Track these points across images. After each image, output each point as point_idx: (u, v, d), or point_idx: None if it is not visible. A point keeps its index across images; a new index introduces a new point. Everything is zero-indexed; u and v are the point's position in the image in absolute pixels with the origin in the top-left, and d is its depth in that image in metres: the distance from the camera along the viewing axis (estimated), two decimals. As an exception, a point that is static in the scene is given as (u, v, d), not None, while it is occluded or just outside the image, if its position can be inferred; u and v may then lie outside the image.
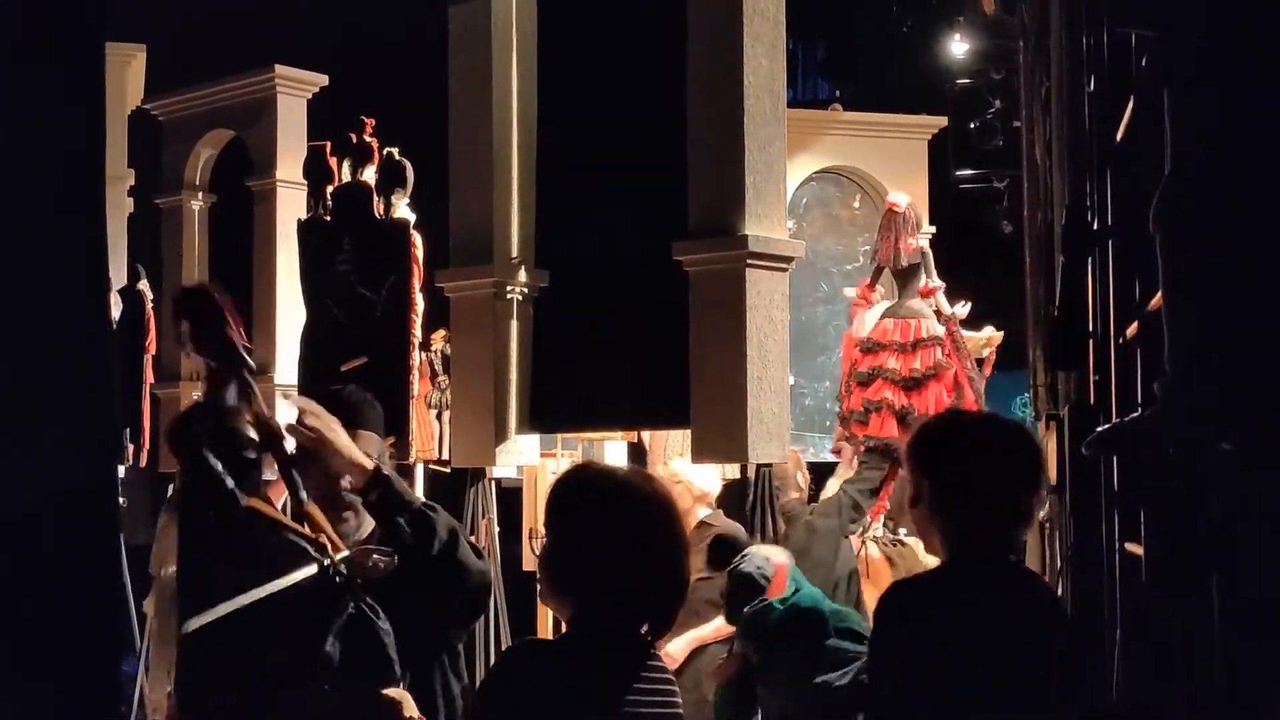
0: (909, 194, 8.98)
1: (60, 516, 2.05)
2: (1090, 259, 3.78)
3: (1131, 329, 3.29)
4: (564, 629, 2.53)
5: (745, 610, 4.26)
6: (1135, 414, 2.69)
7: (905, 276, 7.01)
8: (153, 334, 8.20)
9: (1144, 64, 2.85)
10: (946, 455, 2.69)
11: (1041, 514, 5.22)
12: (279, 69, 7.46)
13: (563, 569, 2.41)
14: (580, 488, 2.47)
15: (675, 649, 5.40)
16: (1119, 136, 3.56)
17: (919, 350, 6.47)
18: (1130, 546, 3.18)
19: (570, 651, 2.40)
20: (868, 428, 6.12)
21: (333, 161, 6.67)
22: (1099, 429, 2.84)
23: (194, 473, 2.58)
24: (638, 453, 7.55)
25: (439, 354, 7.78)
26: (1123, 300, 3.50)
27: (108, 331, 2.34)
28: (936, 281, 6.97)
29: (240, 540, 2.54)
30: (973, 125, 10.69)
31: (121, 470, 7.71)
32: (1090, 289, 3.86)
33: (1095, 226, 3.86)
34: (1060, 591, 4.51)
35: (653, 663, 2.39)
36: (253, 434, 2.63)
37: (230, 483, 2.55)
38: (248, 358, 2.71)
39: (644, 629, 2.40)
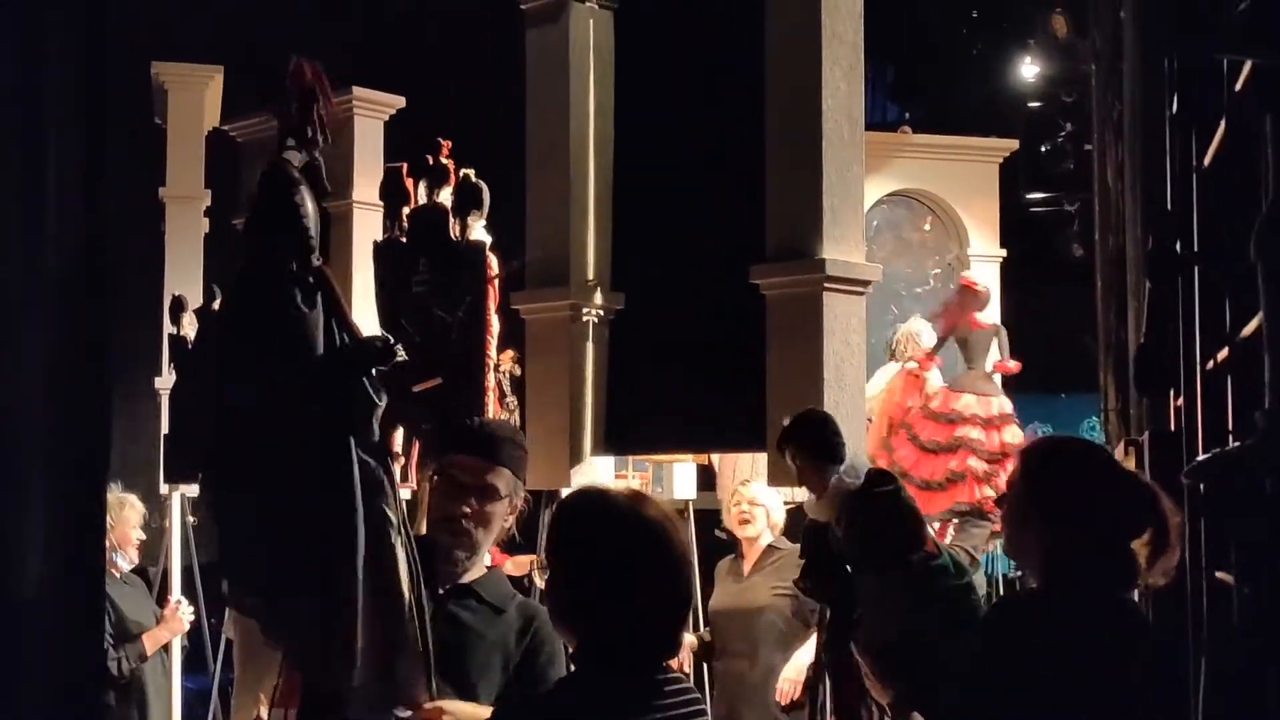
0: (980, 217, 8.97)
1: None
2: (1177, 284, 3.75)
3: (1221, 355, 3.26)
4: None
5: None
6: (1237, 444, 2.66)
7: (973, 349, 7.21)
8: (227, 353, 8.28)
9: (1239, 88, 2.83)
10: (1059, 477, 2.68)
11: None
12: (356, 90, 7.53)
13: (561, 598, 2.35)
14: (573, 514, 2.42)
15: (790, 676, 5.39)
16: (1207, 160, 3.54)
17: (1002, 425, 6.83)
18: (1220, 575, 3.15)
19: (572, 697, 2.31)
20: (951, 494, 6.27)
21: (409, 183, 6.72)
22: (1201, 457, 2.82)
23: None
24: (706, 475, 7.55)
25: (507, 375, 7.83)
26: (1209, 325, 3.47)
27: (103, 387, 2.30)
28: (1014, 363, 7.33)
29: None
30: (1044, 148, 10.65)
31: (196, 489, 7.79)
32: (1177, 311, 3.83)
33: (1180, 249, 3.83)
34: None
35: (669, 685, 2.32)
36: None
37: None
38: None
39: (651, 653, 2.33)
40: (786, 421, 4.63)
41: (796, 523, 6.05)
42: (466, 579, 3.12)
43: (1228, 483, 2.48)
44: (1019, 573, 9.64)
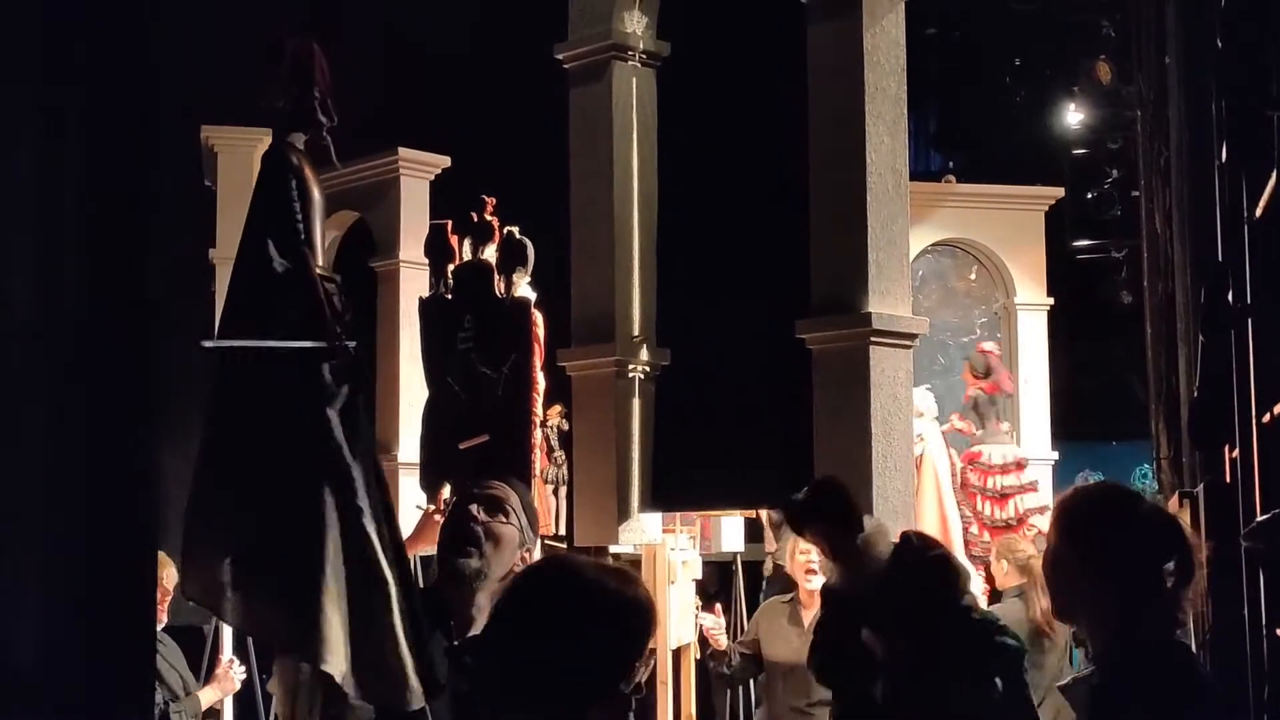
0: (1026, 265, 8.92)
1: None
2: (1230, 337, 3.71)
3: (1278, 408, 3.22)
4: None
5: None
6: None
7: (984, 414, 7.34)
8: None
9: (1290, 142, 2.81)
10: (1093, 523, 2.63)
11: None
12: (402, 151, 7.61)
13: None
14: (530, 585, 2.23)
15: None
16: (1259, 211, 3.50)
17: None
18: (1281, 632, 3.09)
19: None
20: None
21: (454, 240, 6.76)
22: (1261, 518, 2.77)
23: None
24: (755, 529, 7.52)
25: (555, 430, 7.83)
26: (1265, 378, 3.43)
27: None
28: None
29: None
30: (1090, 195, 10.61)
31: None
32: (1230, 365, 3.79)
33: (1233, 301, 3.79)
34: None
35: None
36: None
37: None
38: None
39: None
40: (799, 497, 4.37)
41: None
42: (477, 629, 3.15)
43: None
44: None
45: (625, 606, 2.08)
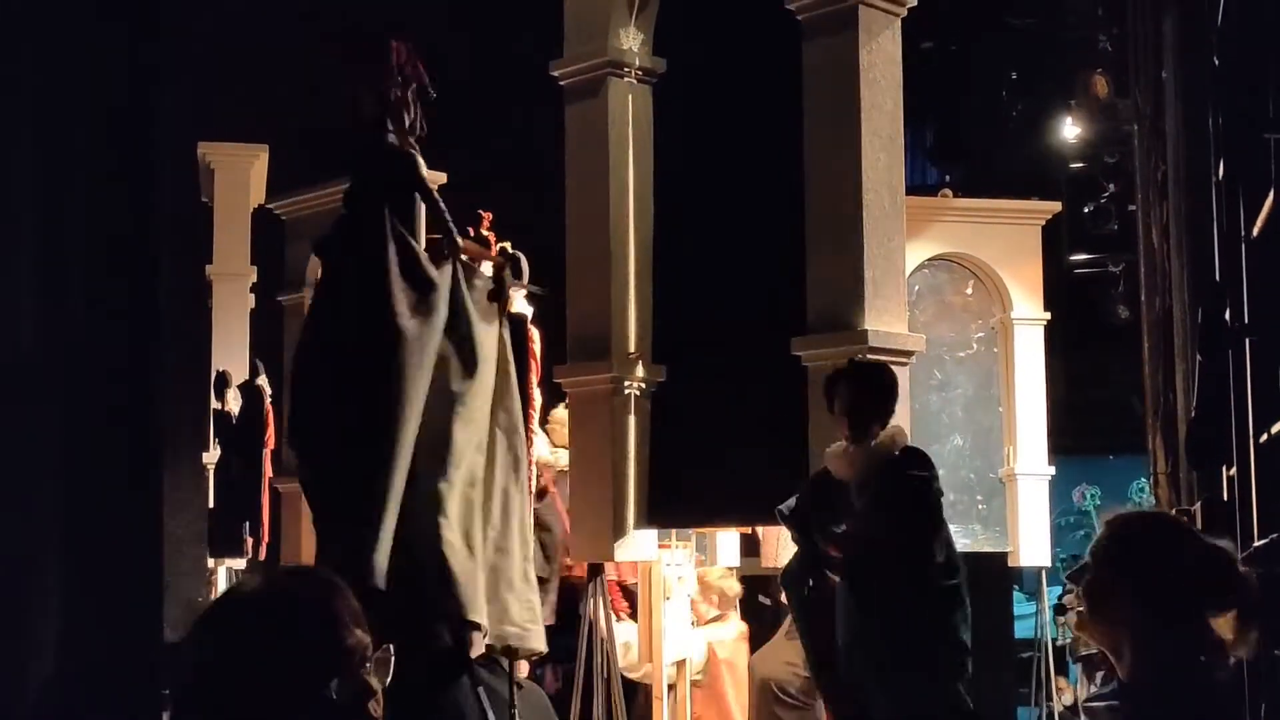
0: (1023, 280, 8.91)
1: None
2: (1227, 356, 3.70)
3: (1276, 427, 3.20)
4: None
5: None
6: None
7: None
8: (271, 428, 8.32)
9: (1286, 162, 2.80)
10: (1150, 547, 2.61)
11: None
12: (398, 168, 7.58)
13: None
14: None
15: None
16: (1256, 230, 3.49)
17: None
18: (1281, 654, 3.08)
19: None
20: None
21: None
22: (1259, 542, 2.77)
23: None
24: (751, 545, 7.49)
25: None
26: (1262, 398, 3.41)
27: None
28: None
29: None
30: (1087, 209, 10.59)
31: (241, 562, 7.81)
32: (1227, 385, 3.78)
33: (1230, 321, 3.78)
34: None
35: None
36: None
37: None
38: None
39: None
40: (844, 363, 4.67)
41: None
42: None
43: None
44: (1067, 641, 9.51)
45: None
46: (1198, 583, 2.54)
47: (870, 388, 4.52)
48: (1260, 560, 2.65)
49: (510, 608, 4.46)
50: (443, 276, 4.57)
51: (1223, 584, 2.54)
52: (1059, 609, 9.28)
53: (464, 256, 4.72)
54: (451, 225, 4.58)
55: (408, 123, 4.40)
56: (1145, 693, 2.55)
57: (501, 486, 4.60)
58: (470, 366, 4.56)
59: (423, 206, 4.66)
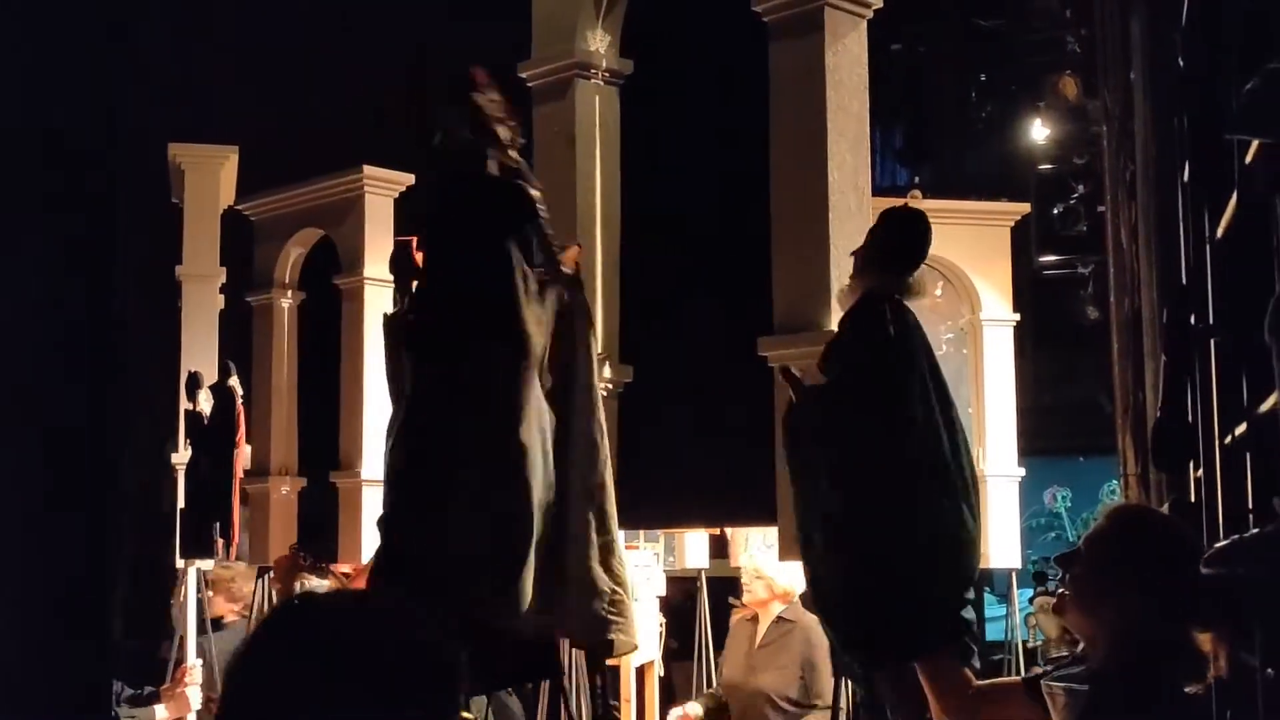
0: (992, 281, 8.94)
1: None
2: (1193, 356, 3.70)
3: (1239, 429, 3.21)
4: None
5: None
6: (1255, 530, 2.61)
7: None
8: (242, 429, 8.28)
9: (1249, 163, 2.80)
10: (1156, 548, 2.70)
11: None
12: (367, 169, 7.57)
13: None
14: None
15: None
16: (1220, 232, 3.50)
17: None
18: (1245, 657, 3.08)
19: None
20: None
21: (418, 257, 6.72)
22: (1219, 544, 2.76)
23: None
24: (719, 546, 7.50)
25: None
26: (1227, 398, 3.42)
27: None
28: None
29: None
30: (1056, 210, 10.64)
31: (210, 563, 7.76)
32: (1193, 385, 3.78)
33: (1196, 322, 3.78)
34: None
35: None
36: None
37: None
38: None
39: None
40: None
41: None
42: None
43: (1248, 570, 2.42)
44: (1038, 644, 9.53)
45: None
46: (1186, 585, 2.58)
47: (881, 227, 4.14)
48: (1217, 562, 2.65)
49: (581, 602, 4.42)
50: (549, 303, 4.55)
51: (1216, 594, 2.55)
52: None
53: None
54: (554, 248, 4.56)
55: (508, 138, 4.33)
56: (1113, 688, 2.60)
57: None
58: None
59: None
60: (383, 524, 4.40)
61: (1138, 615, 2.62)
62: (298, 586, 4.85)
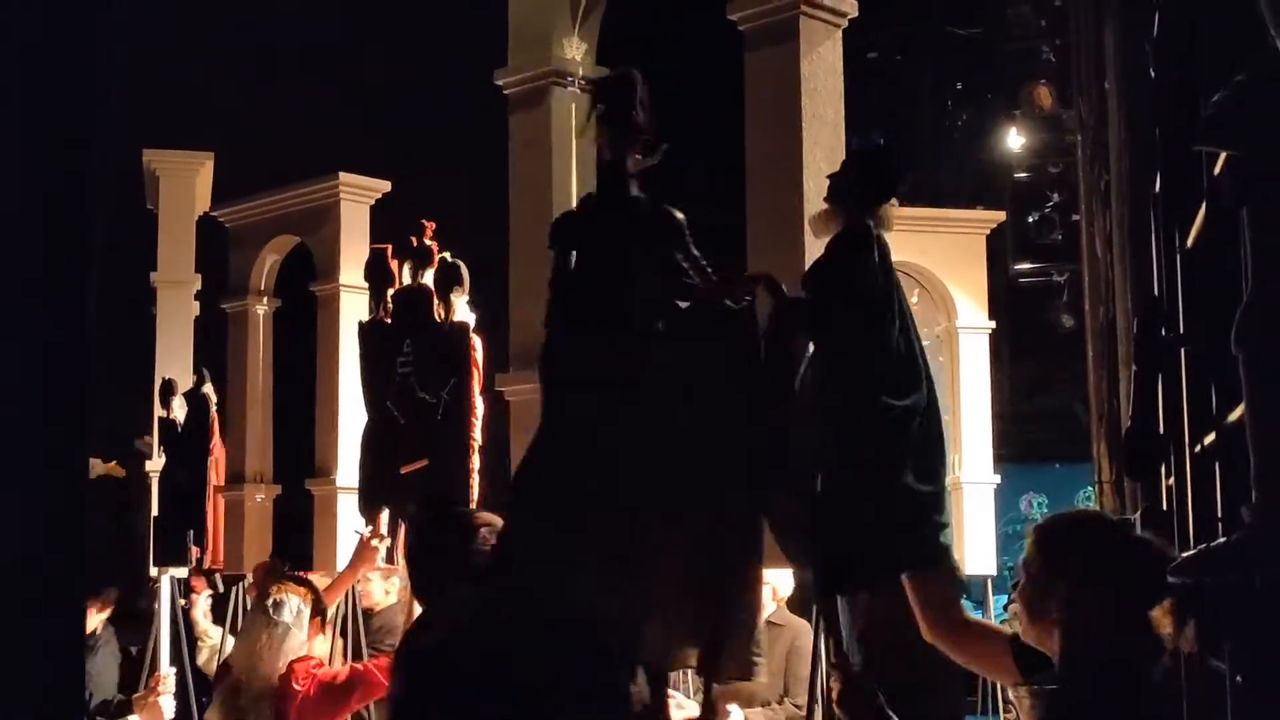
0: (968, 289, 8.97)
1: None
2: (1164, 365, 3.73)
3: (1209, 438, 3.23)
4: None
5: None
6: (1223, 539, 2.64)
7: None
8: (216, 436, 8.26)
9: (1217, 174, 2.82)
10: (1082, 546, 2.74)
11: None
12: (343, 176, 7.55)
13: None
14: None
15: None
16: (1190, 242, 3.52)
17: None
18: (1215, 663, 3.10)
19: None
20: None
21: (394, 264, 6.71)
22: (1185, 555, 2.78)
23: None
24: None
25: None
26: (1198, 407, 3.44)
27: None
28: None
29: None
30: (1031, 219, 10.69)
31: (184, 571, 7.74)
32: (1164, 394, 3.81)
33: (1167, 331, 3.81)
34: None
35: None
36: None
37: None
38: None
39: None
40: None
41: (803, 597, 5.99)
42: None
43: (1217, 578, 2.44)
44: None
45: None
46: (1127, 576, 2.65)
47: (853, 159, 4.11)
48: (1185, 571, 2.67)
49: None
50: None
51: (1152, 576, 2.60)
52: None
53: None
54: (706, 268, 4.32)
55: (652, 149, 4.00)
56: (1076, 684, 2.64)
57: None
58: None
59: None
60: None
61: (1082, 619, 2.67)
62: (272, 595, 4.80)
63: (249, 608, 5.02)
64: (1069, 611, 2.67)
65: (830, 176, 4.06)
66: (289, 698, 4.54)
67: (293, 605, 4.68)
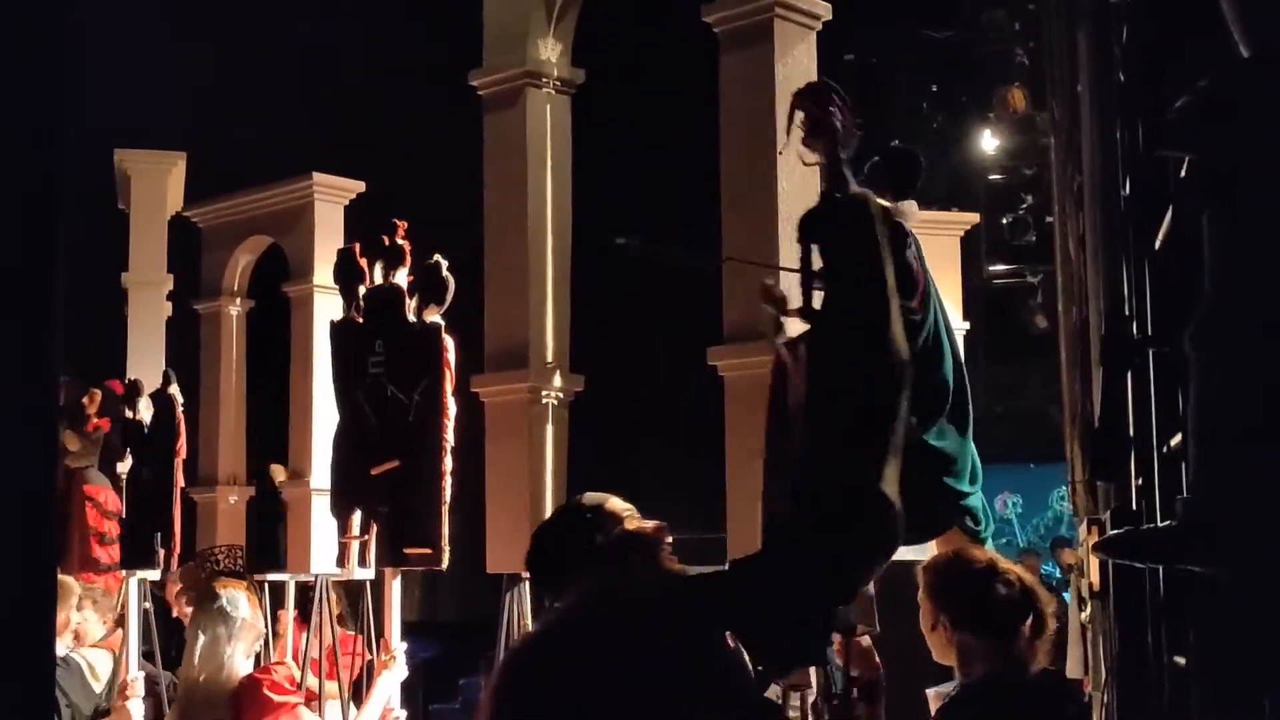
0: (943, 288, 9.00)
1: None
2: (1132, 367, 3.75)
3: (1175, 440, 3.26)
4: None
5: None
6: (1149, 525, 2.77)
7: None
8: (183, 438, 8.22)
9: (1182, 179, 2.84)
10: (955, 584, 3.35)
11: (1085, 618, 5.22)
12: (316, 176, 7.51)
13: None
14: None
15: None
16: (1157, 245, 3.55)
17: None
18: (1178, 659, 3.13)
19: None
20: None
21: (363, 263, 6.67)
22: (1114, 532, 2.97)
23: None
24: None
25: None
26: (1165, 408, 3.46)
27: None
28: None
29: None
30: (1005, 220, 10.73)
31: (155, 574, 7.71)
32: (1132, 395, 3.83)
33: (1135, 333, 3.83)
34: (1107, 701, 4.44)
35: None
36: None
37: None
38: None
39: None
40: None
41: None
42: None
43: (1169, 562, 2.52)
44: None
45: None
46: (992, 619, 3.25)
47: (886, 154, 4.40)
48: (1108, 549, 2.88)
49: None
50: None
51: (1016, 613, 3.24)
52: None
53: None
54: None
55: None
56: (968, 696, 3.25)
57: None
58: None
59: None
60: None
61: (967, 642, 3.27)
62: (221, 593, 4.76)
63: (191, 611, 4.96)
64: (958, 639, 3.28)
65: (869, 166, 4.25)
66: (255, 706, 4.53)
67: (241, 600, 4.69)
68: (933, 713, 3.49)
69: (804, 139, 3.44)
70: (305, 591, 7.42)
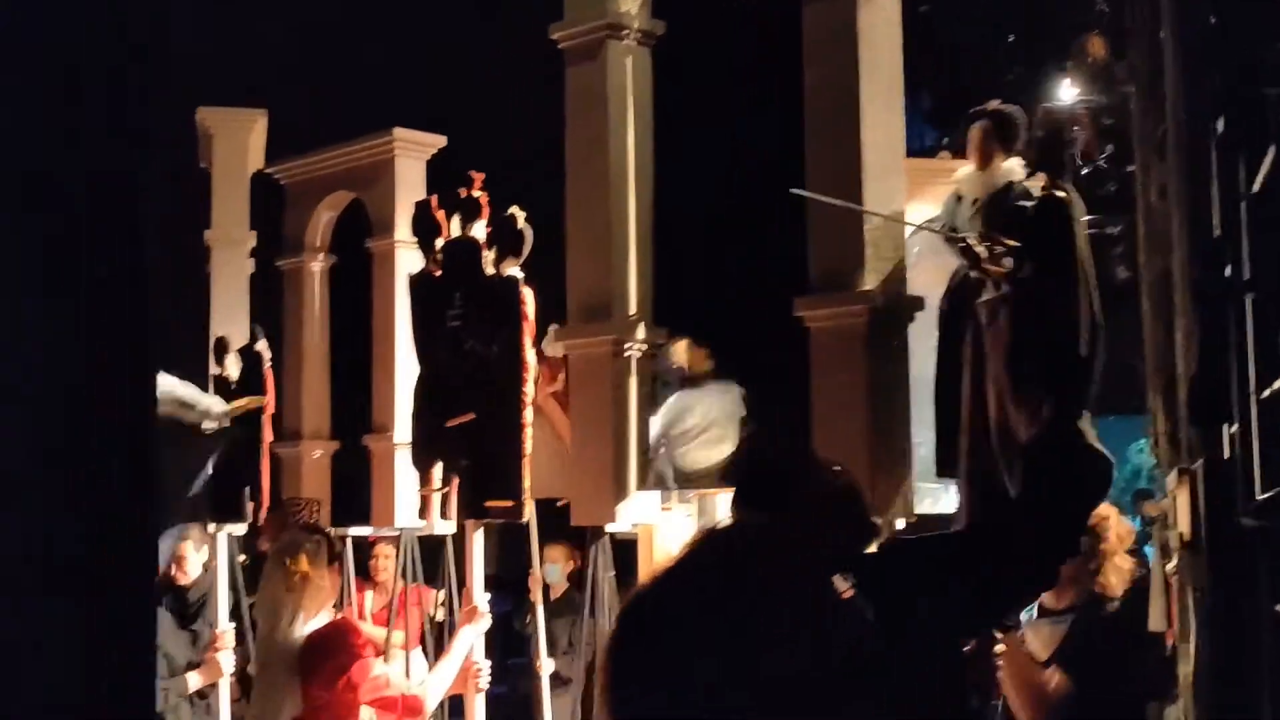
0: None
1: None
2: (1227, 313, 3.71)
3: (1277, 384, 3.22)
4: None
5: None
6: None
7: None
8: (271, 393, 8.32)
9: (1287, 117, 2.80)
10: None
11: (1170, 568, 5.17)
12: (398, 131, 7.57)
13: None
14: None
15: None
16: (1256, 187, 3.50)
17: None
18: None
19: None
20: None
21: (440, 215, 6.69)
22: (1264, 495, 2.80)
23: None
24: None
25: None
26: (1263, 354, 3.42)
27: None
28: None
29: None
30: (1084, 170, 10.60)
31: (243, 528, 7.83)
32: (1227, 344, 3.79)
33: (1230, 277, 3.79)
34: (1200, 653, 4.41)
35: None
36: None
37: None
38: None
39: None
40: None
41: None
42: None
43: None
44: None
45: None
46: None
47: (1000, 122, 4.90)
48: (1263, 513, 2.68)
49: None
50: None
51: None
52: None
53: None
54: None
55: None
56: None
57: None
58: None
59: None
60: None
61: None
62: (286, 545, 4.79)
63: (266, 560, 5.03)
64: None
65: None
66: (324, 667, 4.56)
67: (302, 557, 4.70)
68: None
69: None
70: (360, 550, 7.50)
